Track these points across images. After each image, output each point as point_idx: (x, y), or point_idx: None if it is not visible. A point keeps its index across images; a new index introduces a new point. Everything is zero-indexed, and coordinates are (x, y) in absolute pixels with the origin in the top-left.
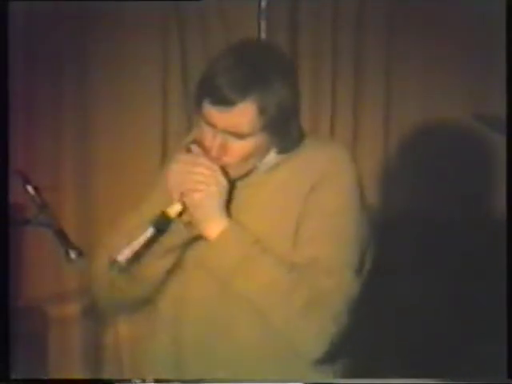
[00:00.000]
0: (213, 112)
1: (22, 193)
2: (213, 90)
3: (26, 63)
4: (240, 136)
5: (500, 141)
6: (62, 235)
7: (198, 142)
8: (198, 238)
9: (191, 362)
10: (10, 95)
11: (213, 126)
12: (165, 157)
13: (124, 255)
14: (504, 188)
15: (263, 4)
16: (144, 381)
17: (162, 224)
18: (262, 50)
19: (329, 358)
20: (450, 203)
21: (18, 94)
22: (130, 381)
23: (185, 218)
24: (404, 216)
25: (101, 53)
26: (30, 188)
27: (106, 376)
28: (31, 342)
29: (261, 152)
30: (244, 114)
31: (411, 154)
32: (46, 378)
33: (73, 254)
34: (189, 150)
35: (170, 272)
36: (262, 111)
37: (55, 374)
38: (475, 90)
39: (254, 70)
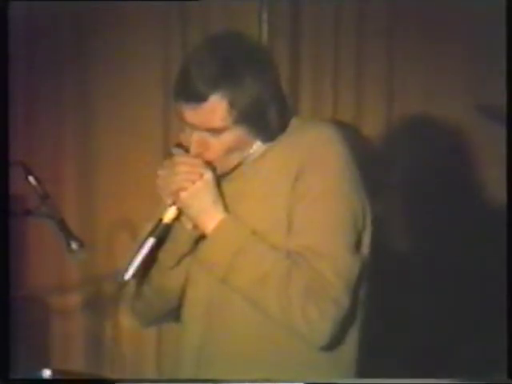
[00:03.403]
0: (187, 110)
1: (24, 184)
2: (184, 86)
3: (27, 56)
4: (215, 132)
5: (500, 132)
6: (63, 226)
7: (181, 145)
8: (204, 237)
9: (192, 360)
10: (10, 86)
11: (189, 124)
12: (166, 149)
13: (129, 272)
14: (504, 179)
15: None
16: (145, 381)
17: (161, 231)
18: (235, 42)
19: (335, 344)
20: (450, 190)
21: (19, 85)
22: (131, 381)
23: (185, 220)
24: (405, 199)
25: (103, 47)
26: (31, 179)
27: (106, 367)
28: (32, 333)
29: (242, 146)
30: (214, 109)
31: (413, 141)
32: (45, 377)
33: (74, 245)
34: (171, 154)
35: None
36: (232, 105)
37: (56, 365)
38: (476, 82)
39: (224, 63)
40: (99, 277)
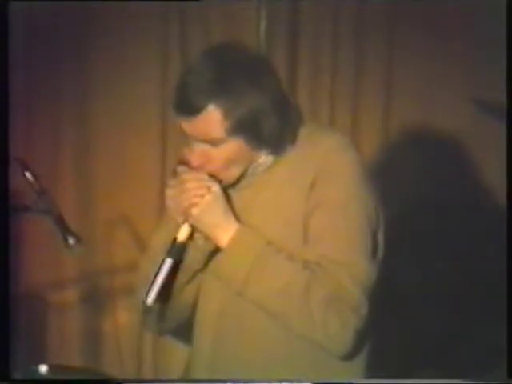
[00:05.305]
0: (185, 122)
1: (22, 180)
2: (180, 99)
3: (26, 55)
4: (214, 142)
5: (500, 129)
6: (60, 222)
7: (184, 162)
8: (217, 250)
9: (203, 367)
10: (10, 86)
11: (189, 135)
12: (165, 144)
13: (151, 297)
14: (504, 176)
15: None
16: (146, 381)
17: (177, 251)
18: (231, 52)
19: (354, 353)
20: (450, 190)
21: (18, 82)
22: (132, 381)
23: (198, 236)
24: (404, 204)
25: (102, 47)
26: (29, 175)
27: (104, 362)
28: (30, 328)
29: (244, 157)
30: (210, 120)
31: (411, 142)
32: (42, 372)
33: (71, 241)
34: (175, 173)
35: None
36: (227, 116)
37: (54, 361)
38: (475, 80)
39: (219, 74)
40: (96, 272)
